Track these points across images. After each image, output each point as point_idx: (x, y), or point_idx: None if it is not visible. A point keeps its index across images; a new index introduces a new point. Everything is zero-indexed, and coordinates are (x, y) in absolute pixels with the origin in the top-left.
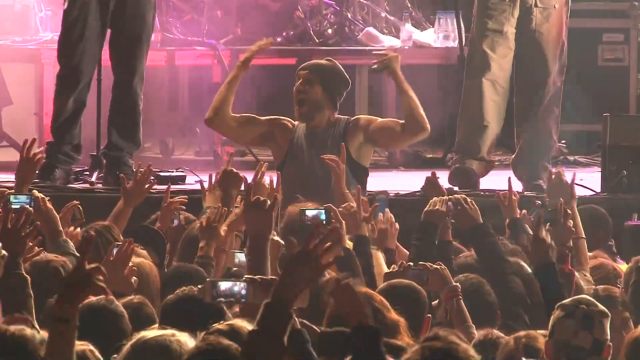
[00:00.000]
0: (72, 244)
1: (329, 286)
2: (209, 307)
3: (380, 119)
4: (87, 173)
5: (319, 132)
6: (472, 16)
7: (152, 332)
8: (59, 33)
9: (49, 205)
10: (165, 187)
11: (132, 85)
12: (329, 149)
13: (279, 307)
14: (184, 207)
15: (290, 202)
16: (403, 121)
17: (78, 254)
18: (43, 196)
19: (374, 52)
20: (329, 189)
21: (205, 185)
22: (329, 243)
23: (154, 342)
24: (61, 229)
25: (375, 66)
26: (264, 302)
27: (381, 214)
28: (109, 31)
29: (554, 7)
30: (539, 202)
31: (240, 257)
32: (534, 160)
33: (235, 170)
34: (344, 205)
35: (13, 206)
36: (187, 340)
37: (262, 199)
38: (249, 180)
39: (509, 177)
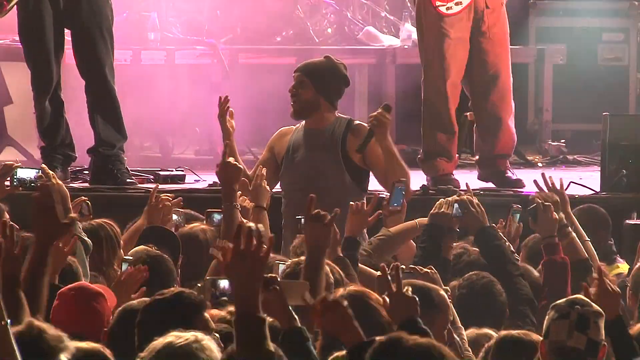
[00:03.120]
0: (79, 226)
1: (317, 306)
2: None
3: (378, 152)
4: (87, 172)
5: (316, 132)
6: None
7: (172, 337)
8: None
9: (58, 181)
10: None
11: (105, 78)
12: (326, 149)
13: None
14: (170, 205)
15: (290, 203)
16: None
17: (85, 238)
18: (51, 172)
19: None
20: (328, 188)
21: None
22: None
23: (179, 349)
24: (70, 206)
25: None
26: None
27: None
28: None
29: (502, 5)
30: (518, 205)
31: (283, 267)
32: (496, 155)
33: (233, 161)
34: (353, 204)
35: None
36: (212, 345)
37: (322, 213)
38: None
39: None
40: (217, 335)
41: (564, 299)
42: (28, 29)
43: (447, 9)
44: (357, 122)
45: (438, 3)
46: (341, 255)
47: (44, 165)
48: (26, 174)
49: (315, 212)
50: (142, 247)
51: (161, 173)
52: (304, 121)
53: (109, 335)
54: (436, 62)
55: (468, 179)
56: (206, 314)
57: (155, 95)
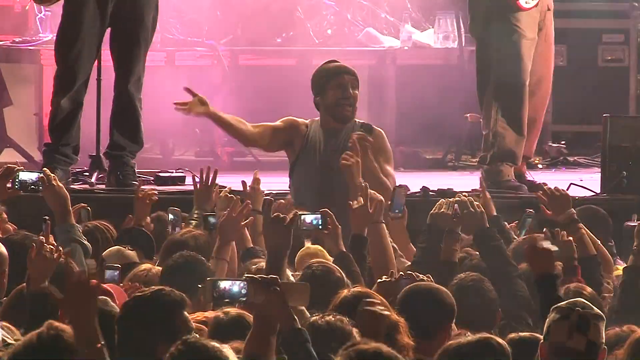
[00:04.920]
0: (79, 230)
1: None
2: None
3: (386, 165)
4: (87, 174)
5: (335, 132)
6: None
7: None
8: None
9: (59, 183)
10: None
11: (128, 86)
12: (342, 151)
13: None
14: (157, 199)
15: (302, 201)
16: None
17: (84, 242)
18: (52, 174)
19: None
20: (335, 193)
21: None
22: None
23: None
24: (70, 209)
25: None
26: None
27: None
28: (109, 31)
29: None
30: (531, 210)
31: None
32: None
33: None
34: (351, 202)
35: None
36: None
37: (281, 215)
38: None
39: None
40: (197, 335)
41: (564, 301)
42: (68, 26)
43: (526, 2)
44: (372, 128)
45: None
46: (344, 250)
47: (45, 169)
48: (27, 176)
49: (275, 215)
50: (116, 247)
51: (161, 174)
52: (317, 119)
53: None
54: (510, 61)
55: (469, 180)
56: (186, 313)
57: (155, 97)
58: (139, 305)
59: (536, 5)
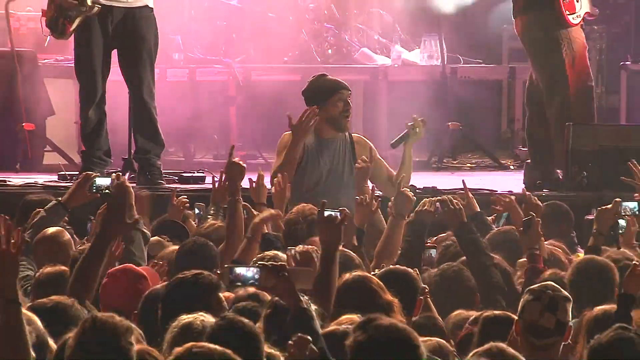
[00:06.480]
0: (142, 221)
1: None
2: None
3: (384, 164)
4: (120, 174)
5: (330, 141)
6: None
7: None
8: None
9: (127, 183)
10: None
11: (142, 96)
12: (341, 156)
13: None
14: (188, 204)
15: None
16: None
17: (145, 231)
18: (123, 177)
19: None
20: (340, 194)
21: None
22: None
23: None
24: (133, 203)
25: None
26: None
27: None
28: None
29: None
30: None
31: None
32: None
33: (237, 160)
34: (359, 198)
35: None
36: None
37: (333, 215)
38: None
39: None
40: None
41: (537, 284)
42: (80, 49)
43: (574, 18)
44: (355, 134)
45: (567, 12)
46: (356, 244)
47: (119, 173)
48: (103, 182)
49: (327, 215)
50: (156, 238)
51: (184, 174)
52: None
53: (138, 317)
54: (559, 71)
55: (450, 180)
56: (220, 294)
57: (178, 108)
58: (182, 286)
59: (582, 22)
